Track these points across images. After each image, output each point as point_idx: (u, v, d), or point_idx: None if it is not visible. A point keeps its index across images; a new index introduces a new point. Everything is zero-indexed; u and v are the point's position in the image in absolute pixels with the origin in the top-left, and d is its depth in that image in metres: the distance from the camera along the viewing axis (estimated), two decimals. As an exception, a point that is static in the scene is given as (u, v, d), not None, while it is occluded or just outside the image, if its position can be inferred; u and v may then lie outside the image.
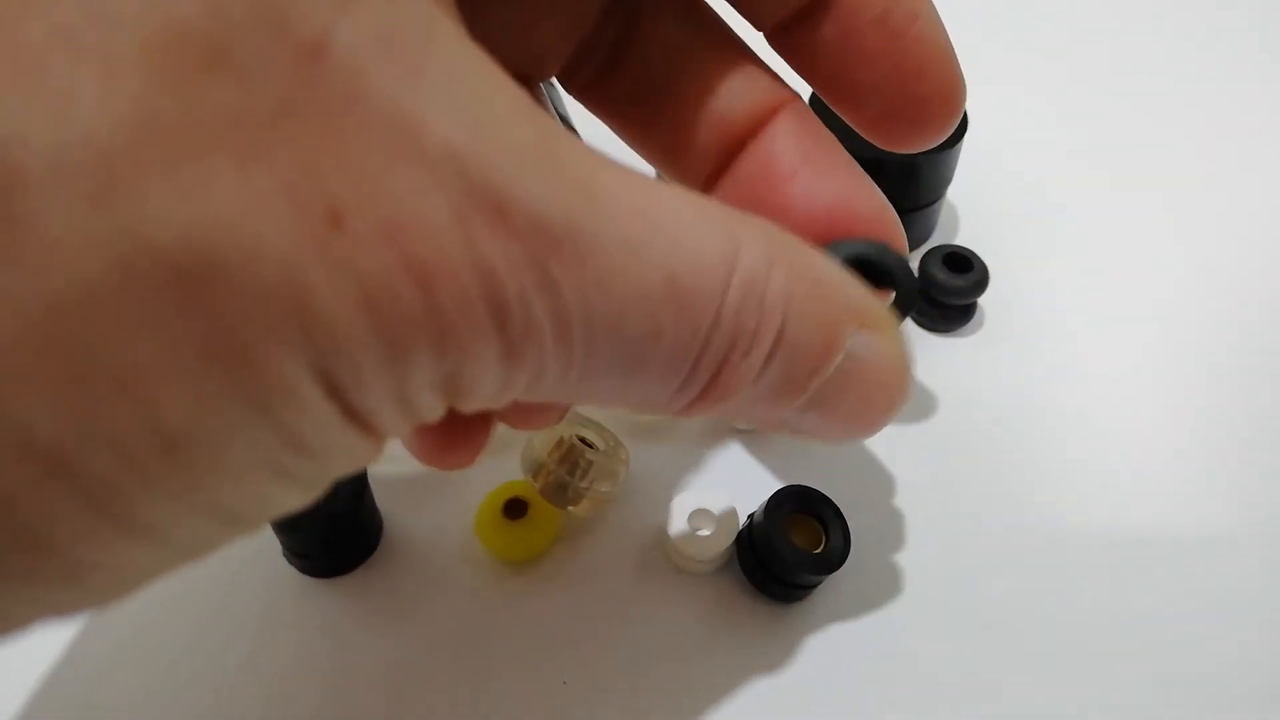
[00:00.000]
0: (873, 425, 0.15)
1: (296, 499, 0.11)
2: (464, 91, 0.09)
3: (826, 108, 0.17)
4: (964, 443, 0.28)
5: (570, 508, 0.24)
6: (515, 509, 0.24)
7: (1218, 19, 0.47)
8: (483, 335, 0.10)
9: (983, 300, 0.31)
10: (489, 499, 0.24)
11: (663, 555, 0.25)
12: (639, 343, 0.11)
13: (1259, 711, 0.22)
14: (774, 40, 0.16)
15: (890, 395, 0.15)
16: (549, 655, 0.23)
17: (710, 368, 0.12)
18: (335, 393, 0.09)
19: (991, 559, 0.25)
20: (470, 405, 0.11)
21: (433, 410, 0.11)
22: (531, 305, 0.10)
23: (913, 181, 0.31)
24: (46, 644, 0.22)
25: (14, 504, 0.08)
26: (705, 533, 0.24)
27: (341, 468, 0.11)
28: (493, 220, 0.09)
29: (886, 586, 0.24)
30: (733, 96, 0.16)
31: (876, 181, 0.30)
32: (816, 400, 0.14)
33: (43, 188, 0.07)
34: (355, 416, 0.10)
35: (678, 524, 0.24)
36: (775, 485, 0.24)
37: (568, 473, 0.23)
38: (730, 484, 0.26)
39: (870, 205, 0.17)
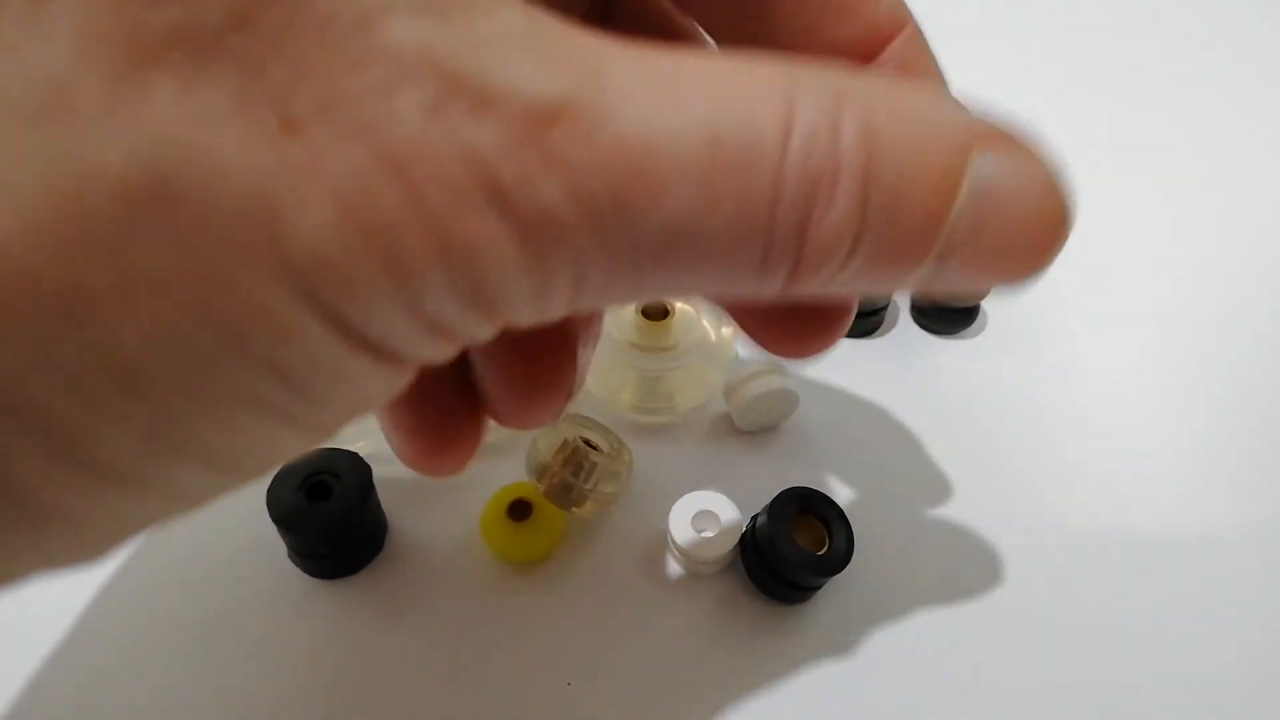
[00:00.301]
0: (1035, 262, 0.12)
1: (296, 442, 0.10)
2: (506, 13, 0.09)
3: None
4: (968, 444, 0.28)
5: (574, 509, 0.24)
6: (520, 511, 0.24)
7: (1218, 19, 0.47)
8: (486, 228, 0.09)
9: (986, 303, 0.31)
10: (493, 500, 0.24)
11: (666, 557, 0.25)
12: (694, 218, 0.10)
13: (1259, 712, 0.22)
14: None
15: (1049, 221, 0.12)
16: (553, 657, 0.23)
17: (792, 232, 0.11)
18: (330, 317, 0.09)
19: (994, 560, 0.25)
20: (516, 316, 0.10)
21: (470, 326, 0.10)
22: (537, 186, 0.09)
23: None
24: (48, 642, 0.23)
25: None
26: (709, 534, 0.24)
27: (354, 403, 0.10)
28: (475, 107, 0.09)
29: (890, 588, 0.24)
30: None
31: None
32: (951, 249, 0.12)
33: None
34: (363, 343, 0.09)
35: (681, 525, 0.24)
36: (779, 487, 0.24)
37: (572, 474, 0.23)
38: (734, 485, 0.26)
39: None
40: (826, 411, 0.28)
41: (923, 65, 0.15)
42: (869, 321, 0.30)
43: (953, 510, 0.26)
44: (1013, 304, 0.32)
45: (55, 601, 0.23)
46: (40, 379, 0.08)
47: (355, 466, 0.23)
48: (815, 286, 0.11)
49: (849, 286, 0.12)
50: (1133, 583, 0.25)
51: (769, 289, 0.11)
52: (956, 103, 0.12)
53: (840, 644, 0.23)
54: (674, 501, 0.25)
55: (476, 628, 0.23)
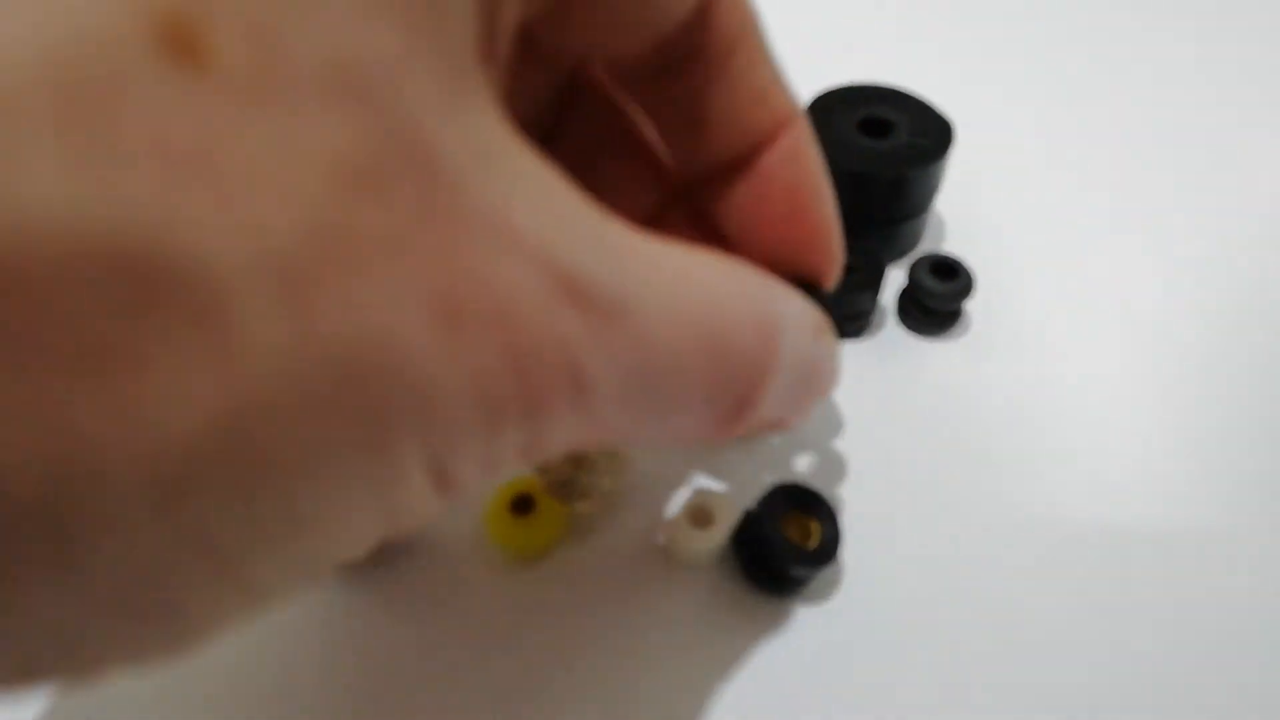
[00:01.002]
0: (817, 405, 0.20)
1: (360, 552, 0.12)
2: (542, 192, 0.11)
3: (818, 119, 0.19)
4: (953, 443, 0.29)
5: (574, 504, 0.24)
6: (522, 505, 0.25)
7: (1209, 27, 0.48)
8: (563, 401, 0.11)
9: (969, 305, 0.32)
10: (497, 495, 0.25)
11: (662, 551, 0.26)
12: (679, 384, 0.13)
13: (1259, 712, 0.23)
14: (684, 196, 0.19)
15: (830, 384, 0.19)
16: (550, 650, 0.23)
17: (735, 401, 0.15)
18: (435, 468, 0.10)
19: (977, 560, 0.26)
20: (541, 457, 0.12)
21: (509, 465, 0.12)
22: (598, 368, 0.11)
23: (902, 193, 0.32)
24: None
25: (168, 585, 0.09)
26: (704, 528, 0.25)
27: (413, 525, 0.12)
28: (571, 298, 0.11)
29: (876, 580, 0.25)
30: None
31: (865, 194, 0.32)
32: (790, 401, 0.17)
33: (242, 296, 0.08)
34: (444, 483, 0.11)
35: (677, 520, 0.25)
36: (771, 482, 0.25)
37: (573, 470, 0.24)
38: (728, 481, 0.27)
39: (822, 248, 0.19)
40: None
41: (810, 153, 0.18)
42: (855, 324, 0.31)
43: (937, 507, 0.27)
44: (998, 306, 0.33)
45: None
46: (228, 521, 0.09)
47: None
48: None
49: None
50: (1118, 585, 0.25)
51: (703, 441, 0.17)
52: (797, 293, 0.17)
53: (831, 635, 0.24)
54: (671, 497, 0.26)
55: (478, 621, 0.24)
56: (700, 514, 0.25)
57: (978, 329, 0.32)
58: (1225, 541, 0.26)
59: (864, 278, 0.30)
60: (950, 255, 0.32)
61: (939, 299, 0.31)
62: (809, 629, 0.24)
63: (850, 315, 0.31)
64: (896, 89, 0.35)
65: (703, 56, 0.16)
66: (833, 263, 0.19)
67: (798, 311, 0.16)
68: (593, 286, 0.11)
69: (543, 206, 0.11)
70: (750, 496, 0.25)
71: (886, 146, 0.32)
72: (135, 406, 0.08)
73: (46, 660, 0.09)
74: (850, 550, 0.25)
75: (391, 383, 0.09)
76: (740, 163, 0.18)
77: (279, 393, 0.09)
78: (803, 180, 0.18)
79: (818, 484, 0.25)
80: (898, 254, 0.34)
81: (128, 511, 0.08)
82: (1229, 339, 0.32)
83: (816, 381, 0.18)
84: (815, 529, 0.24)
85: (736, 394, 0.15)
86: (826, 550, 0.24)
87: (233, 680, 0.23)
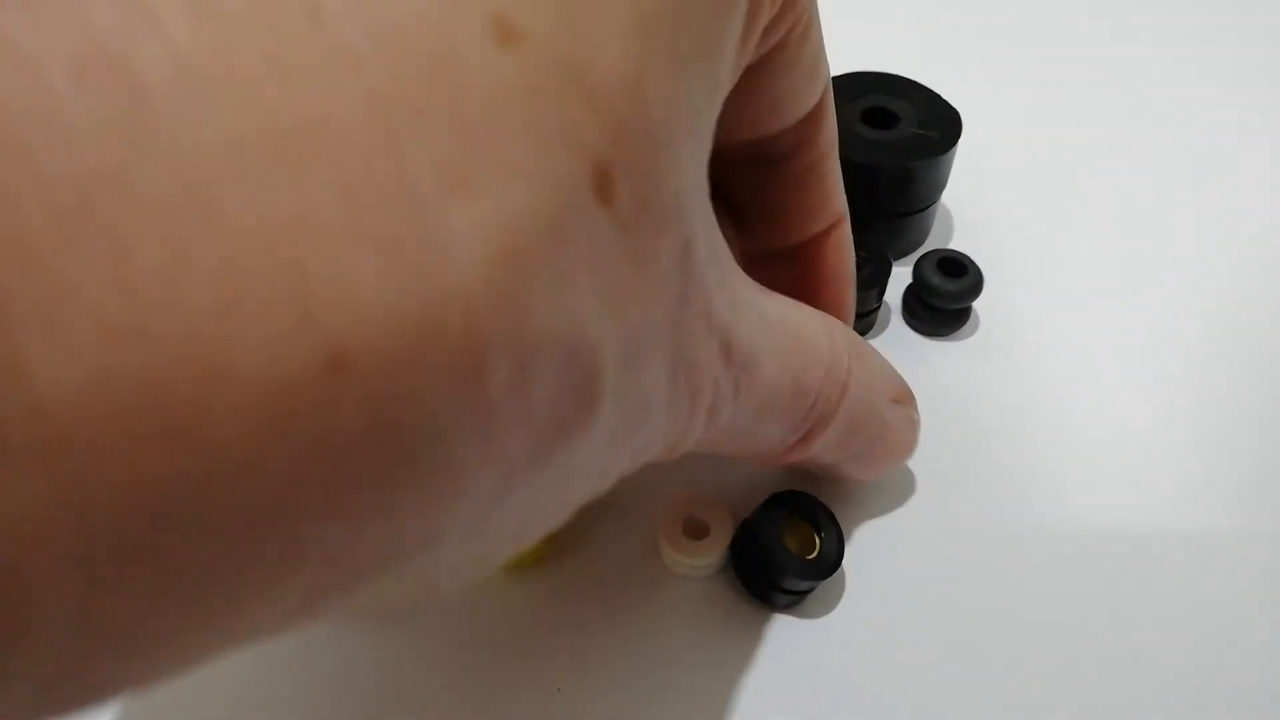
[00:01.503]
0: (889, 469, 0.24)
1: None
2: (728, 274, 0.15)
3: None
4: (958, 447, 0.28)
5: (564, 512, 0.24)
6: (509, 513, 0.24)
7: (1218, 22, 0.47)
8: (700, 427, 0.15)
9: (977, 305, 0.31)
10: (482, 503, 0.24)
11: (656, 561, 0.25)
12: (770, 416, 0.18)
13: (1260, 712, 0.22)
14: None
15: (905, 449, 0.23)
16: (543, 662, 0.23)
17: (803, 433, 0.19)
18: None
19: (985, 563, 0.25)
20: (672, 456, 0.16)
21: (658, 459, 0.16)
22: (727, 405, 0.16)
23: (907, 186, 0.31)
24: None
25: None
26: (699, 538, 0.24)
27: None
28: (725, 357, 0.15)
29: (881, 591, 0.24)
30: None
31: (871, 187, 0.32)
32: (859, 452, 0.21)
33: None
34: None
35: (671, 529, 0.24)
36: (769, 490, 0.24)
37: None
38: (725, 489, 0.26)
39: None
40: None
41: (849, 244, 0.23)
42: (861, 323, 0.30)
43: (943, 512, 0.26)
44: (1007, 306, 0.32)
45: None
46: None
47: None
48: (788, 465, 0.22)
49: (798, 464, 0.22)
50: (1129, 587, 0.25)
51: (771, 462, 0.21)
52: (881, 357, 0.22)
53: (831, 647, 0.23)
54: (665, 505, 0.25)
55: (466, 630, 0.23)
56: (696, 524, 0.24)
57: (986, 329, 0.31)
58: (1240, 543, 0.25)
59: (868, 275, 0.29)
60: (958, 252, 0.30)
61: (946, 298, 0.30)
62: (809, 643, 0.23)
63: (855, 314, 0.30)
64: (902, 78, 0.33)
65: (799, 155, 0.19)
66: (849, 322, 0.24)
67: (876, 369, 0.21)
68: (739, 345, 0.15)
69: (728, 286, 0.15)
70: (749, 504, 0.24)
71: (892, 137, 0.31)
72: None
73: None
74: (853, 561, 0.24)
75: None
76: (798, 245, 0.22)
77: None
78: (844, 268, 0.22)
79: (816, 490, 0.24)
80: (903, 250, 0.33)
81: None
82: (1253, 340, 0.31)
83: (889, 443, 0.22)
84: (816, 538, 0.23)
85: (805, 428, 0.19)
86: (828, 561, 0.23)
87: (223, 689, 0.22)
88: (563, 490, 0.13)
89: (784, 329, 0.17)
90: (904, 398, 0.22)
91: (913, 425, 0.23)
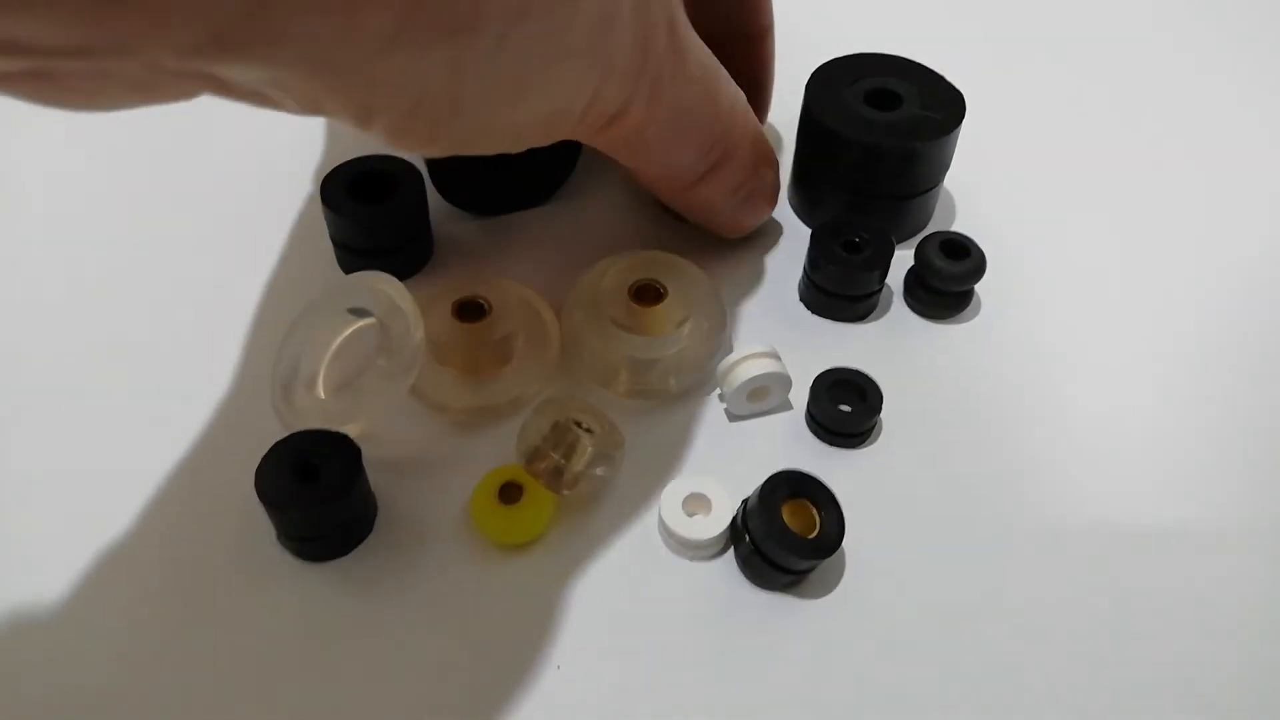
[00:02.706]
0: (755, 224, 0.32)
1: None
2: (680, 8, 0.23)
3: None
4: (960, 429, 0.28)
5: (565, 492, 0.24)
6: (510, 493, 0.24)
7: (1222, 9, 0.46)
8: (644, 87, 0.22)
9: (980, 287, 0.31)
10: (484, 483, 0.24)
11: (657, 540, 0.25)
12: (690, 129, 0.25)
13: (1260, 712, 0.22)
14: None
15: (771, 205, 0.31)
16: (543, 640, 0.23)
17: (711, 163, 0.27)
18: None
19: (986, 545, 0.25)
20: (629, 120, 0.23)
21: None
22: (667, 83, 0.22)
23: (911, 168, 0.31)
24: (34, 623, 0.22)
25: None
26: (700, 517, 0.24)
27: None
28: (670, 34, 0.22)
29: (881, 572, 0.24)
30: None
31: (872, 168, 0.33)
32: (744, 199, 0.29)
33: None
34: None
35: (672, 509, 0.24)
36: (769, 469, 0.24)
37: (563, 457, 0.23)
38: (725, 469, 0.26)
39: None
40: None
41: (770, 52, 0.33)
42: (862, 305, 0.30)
43: (944, 495, 0.26)
44: (1008, 289, 0.32)
45: (42, 581, 0.23)
46: None
47: (345, 448, 0.23)
48: (702, 195, 0.28)
49: (706, 201, 0.29)
50: (1129, 574, 0.25)
51: (689, 177, 0.27)
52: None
53: (830, 628, 0.23)
54: (665, 485, 0.25)
55: (466, 610, 0.23)
56: (696, 502, 0.24)
57: (988, 312, 0.31)
58: (1240, 527, 0.25)
59: (870, 257, 0.29)
60: (961, 234, 0.30)
61: (948, 280, 0.30)
62: (810, 623, 0.23)
63: (856, 296, 0.30)
64: (906, 59, 0.33)
65: None
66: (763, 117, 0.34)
67: (763, 132, 0.29)
68: (678, 29, 0.22)
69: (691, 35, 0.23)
70: (749, 484, 0.24)
71: (895, 119, 0.31)
72: None
73: None
74: (852, 540, 0.24)
75: None
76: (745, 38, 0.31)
77: None
78: (771, 67, 0.33)
79: (817, 471, 0.24)
80: (907, 233, 0.33)
81: None
82: (1255, 323, 0.31)
83: (765, 195, 0.30)
84: (816, 518, 0.23)
85: (714, 158, 0.26)
86: (828, 540, 0.23)
87: (212, 671, 0.22)
88: (558, 45, 0.18)
89: (707, 52, 0.24)
90: (775, 164, 0.30)
91: (776, 189, 0.31)
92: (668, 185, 0.28)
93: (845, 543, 0.24)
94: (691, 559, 0.24)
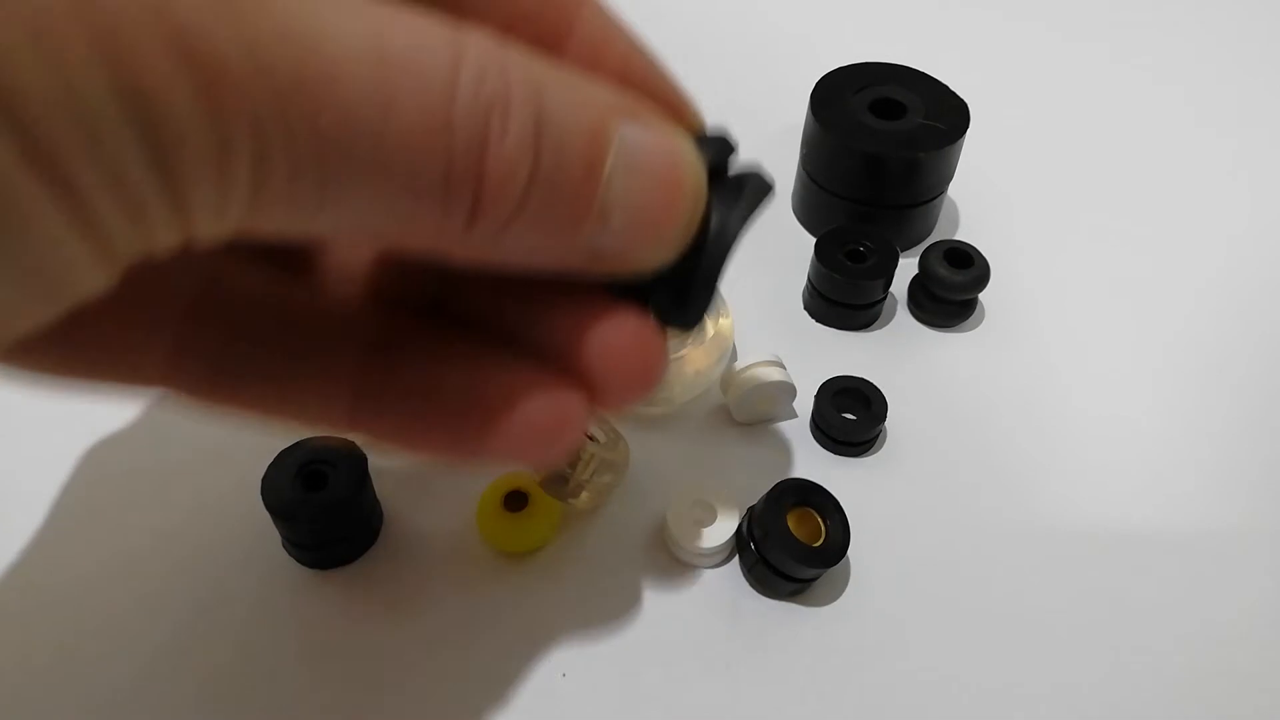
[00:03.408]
0: (672, 224, 0.14)
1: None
2: None
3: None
4: (964, 437, 0.28)
5: (570, 500, 0.24)
6: (516, 501, 0.24)
7: (1224, 15, 0.46)
8: (165, 68, 0.09)
9: (983, 296, 0.31)
10: (489, 490, 0.24)
11: (663, 548, 0.25)
12: (371, 116, 0.10)
13: (1260, 712, 0.22)
14: None
15: (680, 185, 0.14)
16: (549, 648, 0.23)
17: (472, 151, 0.11)
18: (27, 153, 0.09)
19: (990, 554, 0.25)
20: (199, 202, 0.10)
21: (159, 203, 0.10)
22: (216, 35, 0.09)
23: (915, 177, 0.31)
24: (39, 627, 0.22)
25: None
26: (706, 526, 0.24)
27: (58, 283, 0.10)
28: (188, 61, 0.09)
29: (886, 580, 0.24)
30: None
31: (876, 177, 0.31)
32: (610, 208, 0.13)
33: None
34: (66, 194, 0.09)
35: (678, 517, 0.24)
36: (775, 478, 0.24)
37: (568, 465, 0.23)
38: (731, 477, 0.26)
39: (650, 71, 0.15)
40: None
41: (614, 34, 0.15)
42: (865, 314, 0.30)
43: (948, 503, 0.26)
44: (1013, 297, 0.32)
45: (46, 586, 0.23)
46: None
47: (351, 455, 0.23)
48: (495, 235, 0.12)
49: (527, 249, 0.13)
50: (1133, 578, 0.25)
51: (453, 225, 0.12)
52: (587, 76, 0.13)
53: (836, 636, 0.23)
54: (671, 493, 0.25)
55: (472, 618, 0.23)
56: (702, 510, 0.24)
57: (991, 321, 0.31)
58: (1245, 531, 0.25)
59: (874, 265, 0.29)
60: (964, 243, 0.30)
61: (952, 288, 0.30)
62: (815, 630, 0.23)
63: (860, 305, 0.30)
64: (910, 68, 0.33)
65: None
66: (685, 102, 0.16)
67: (576, 83, 0.13)
68: (219, 47, 0.09)
69: None
70: (755, 492, 0.24)
71: (899, 128, 0.31)
72: None
73: None
74: (857, 548, 0.24)
75: None
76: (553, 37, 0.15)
77: None
78: (616, 35, 0.15)
79: (822, 479, 0.24)
80: (911, 241, 0.33)
81: None
82: (1256, 330, 0.31)
83: (650, 175, 0.13)
84: (822, 526, 0.23)
85: (467, 190, 0.11)
86: (834, 548, 0.23)
87: (217, 679, 0.22)
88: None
89: (373, 26, 0.10)
90: (642, 112, 0.13)
91: (676, 148, 0.14)
92: (433, 249, 0.13)
93: (850, 551, 0.24)
94: (698, 566, 0.24)
